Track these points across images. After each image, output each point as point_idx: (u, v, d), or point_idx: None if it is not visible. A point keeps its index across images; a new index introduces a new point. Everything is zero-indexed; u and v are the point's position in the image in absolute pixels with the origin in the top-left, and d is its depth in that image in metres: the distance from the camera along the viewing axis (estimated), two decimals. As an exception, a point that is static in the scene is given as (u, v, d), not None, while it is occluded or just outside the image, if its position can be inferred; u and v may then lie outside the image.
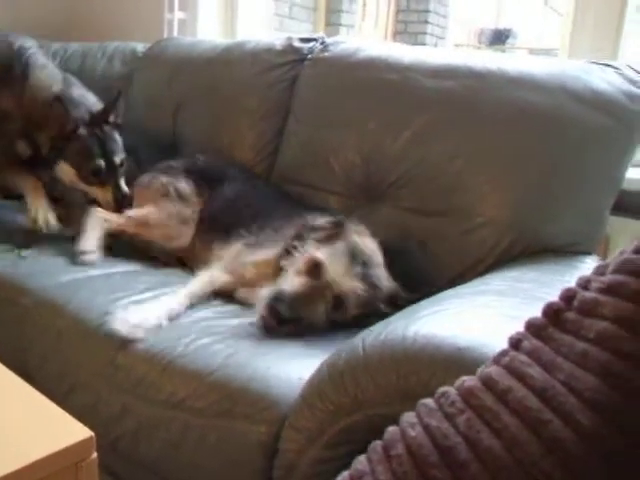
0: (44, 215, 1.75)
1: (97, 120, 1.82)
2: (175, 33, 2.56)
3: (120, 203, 1.77)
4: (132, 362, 1.17)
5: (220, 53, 1.98)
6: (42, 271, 1.51)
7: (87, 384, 1.24)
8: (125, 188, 1.80)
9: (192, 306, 1.32)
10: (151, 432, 1.13)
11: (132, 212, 1.71)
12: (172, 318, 1.26)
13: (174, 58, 2.11)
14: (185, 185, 1.68)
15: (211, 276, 1.41)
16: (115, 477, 1.17)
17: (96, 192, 1.79)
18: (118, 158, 1.81)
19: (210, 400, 1.05)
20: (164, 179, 1.73)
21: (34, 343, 1.38)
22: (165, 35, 2.53)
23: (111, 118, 1.85)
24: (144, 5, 2.66)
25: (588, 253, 1.37)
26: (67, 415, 0.73)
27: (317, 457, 0.92)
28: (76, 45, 2.48)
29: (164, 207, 1.66)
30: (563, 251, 1.35)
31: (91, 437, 0.69)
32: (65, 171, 1.81)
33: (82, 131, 1.78)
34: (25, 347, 1.39)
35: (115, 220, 1.68)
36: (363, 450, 0.87)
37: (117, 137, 1.85)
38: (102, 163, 1.77)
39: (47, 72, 1.97)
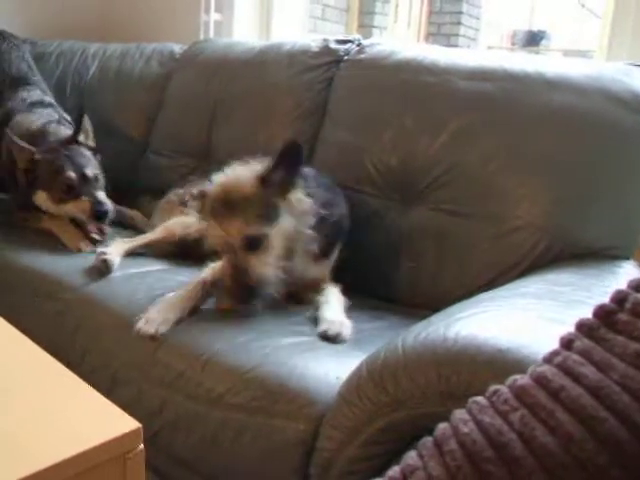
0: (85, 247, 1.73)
1: (66, 143, 1.84)
2: (211, 34, 2.59)
3: (99, 215, 1.73)
4: (171, 357, 1.19)
5: (256, 55, 1.99)
6: (81, 267, 1.54)
7: (127, 378, 1.26)
8: (107, 202, 1.76)
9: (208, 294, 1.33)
10: (189, 427, 1.15)
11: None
12: (191, 308, 1.28)
13: (211, 59, 2.13)
14: None
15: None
16: (154, 471, 1.19)
17: (72, 209, 1.77)
18: (90, 171, 1.79)
19: (248, 396, 1.06)
20: (180, 190, 1.77)
21: (74, 338, 1.42)
22: (201, 36, 2.57)
23: (81, 138, 1.86)
24: (181, 6, 2.69)
25: (626, 257, 1.36)
26: (115, 407, 0.75)
27: (354, 455, 0.93)
28: (115, 46, 2.52)
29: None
30: (600, 255, 1.34)
31: (138, 428, 0.71)
32: (41, 198, 1.81)
33: (47, 155, 1.79)
34: (65, 342, 1.42)
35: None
36: (401, 449, 0.88)
37: (88, 154, 1.84)
38: (73, 175, 1.75)
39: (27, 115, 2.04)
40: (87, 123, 1.92)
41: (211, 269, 1.36)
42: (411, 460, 0.44)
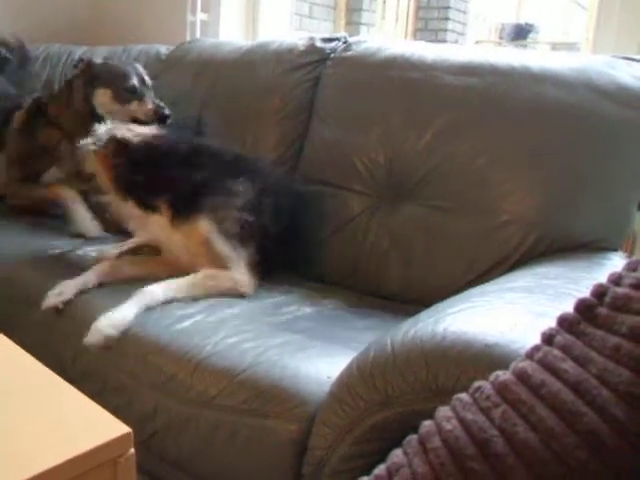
0: (89, 225, 1.84)
1: None
2: (198, 35, 2.59)
3: (162, 115, 1.89)
4: (162, 361, 1.18)
5: (243, 54, 1.99)
6: (67, 273, 1.54)
7: (118, 383, 1.26)
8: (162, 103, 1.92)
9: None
10: (182, 430, 1.15)
11: None
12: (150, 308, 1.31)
13: (197, 60, 2.13)
14: None
15: None
16: (148, 475, 1.19)
17: (135, 109, 1.91)
18: (147, 77, 1.98)
19: (240, 398, 1.06)
20: None
21: (64, 344, 1.41)
22: (188, 37, 2.56)
23: None
24: (167, 7, 2.69)
25: (614, 250, 1.37)
26: (105, 412, 0.74)
27: (347, 453, 0.93)
28: (101, 49, 2.51)
29: None
30: (589, 247, 1.35)
31: (129, 433, 0.71)
32: (101, 97, 1.93)
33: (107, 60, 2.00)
34: (55, 348, 1.41)
35: None
36: (392, 446, 0.89)
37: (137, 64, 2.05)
38: (135, 79, 1.93)
39: None
40: None
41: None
42: (396, 458, 0.44)
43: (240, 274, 1.43)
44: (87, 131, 1.62)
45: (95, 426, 0.73)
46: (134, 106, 1.91)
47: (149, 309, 1.30)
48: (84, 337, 1.26)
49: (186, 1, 2.58)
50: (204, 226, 1.44)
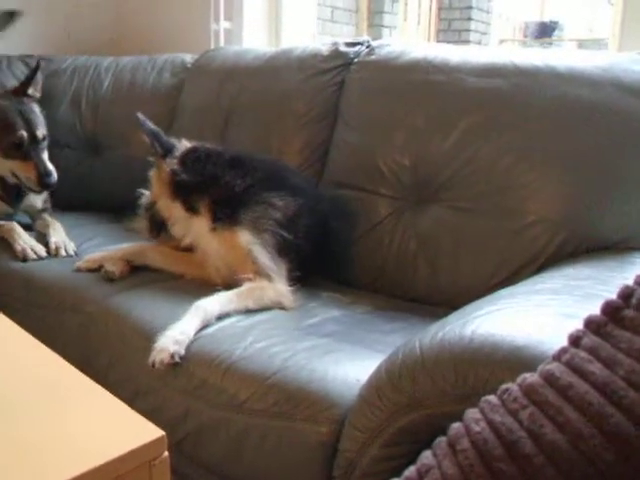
0: (32, 249, 1.77)
1: (15, 93, 1.85)
2: (222, 43, 2.62)
3: (44, 180, 1.77)
4: (193, 366, 1.20)
5: (267, 61, 2.01)
6: (104, 281, 1.57)
7: (151, 388, 1.28)
8: (50, 166, 1.79)
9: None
10: (213, 433, 1.16)
11: None
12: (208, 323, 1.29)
13: (222, 67, 2.15)
14: None
15: None
16: (180, 477, 1.21)
17: (18, 168, 1.80)
18: (40, 132, 1.82)
19: (270, 402, 1.08)
20: None
21: (99, 350, 1.44)
22: (212, 45, 2.59)
23: (30, 91, 1.89)
24: (191, 17, 2.72)
25: (644, 249, 1.35)
26: (139, 416, 0.76)
27: (376, 456, 0.94)
28: (127, 59, 2.55)
29: None
30: (618, 247, 1.34)
31: (163, 436, 0.73)
32: None
33: (2, 103, 1.80)
34: (90, 354, 1.44)
35: None
36: (421, 448, 0.89)
37: (37, 110, 1.87)
38: (24, 134, 1.78)
39: None
40: (40, 76, 1.95)
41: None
42: (426, 460, 0.45)
43: (282, 286, 1.43)
44: None
45: (130, 430, 0.75)
46: (16, 165, 1.81)
47: (206, 324, 1.28)
48: (149, 357, 1.21)
49: (210, 10, 2.61)
50: (245, 236, 1.46)
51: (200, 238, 1.55)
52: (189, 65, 2.32)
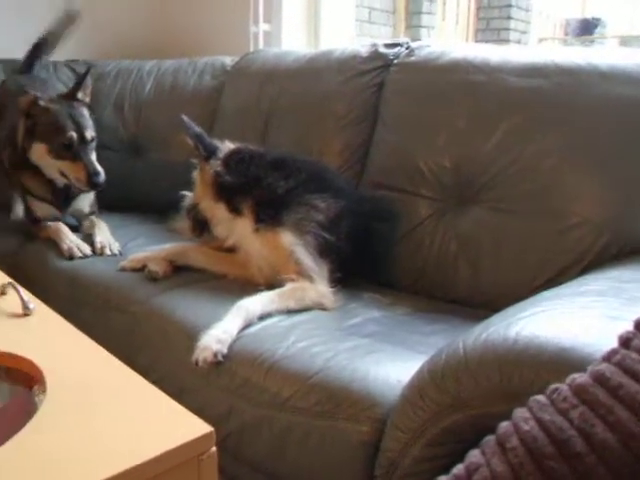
0: (78, 247, 1.85)
1: (66, 97, 1.92)
2: (261, 45, 2.64)
3: (92, 180, 1.83)
4: (236, 365, 1.22)
5: (307, 63, 2.03)
6: (147, 281, 1.61)
7: (193, 386, 1.30)
8: (98, 166, 1.85)
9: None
10: (256, 432, 1.18)
11: None
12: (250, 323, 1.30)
13: (262, 70, 2.17)
14: None
15: None
16: (222, 474, 1.23)
17: (68, 168, 1.87)
18: (89, 133, 1.88)
19: (312, 401, 1.09)
20: None
21: (142, 348, 1.47)
22: (251, 48, 2.62)
23: (79, 95, 1.94)
24: (230, 19, 2.75)
25: (691, 250, 1.33)
26: (188, 412, 0.78)
27: (419, 455, 0.95)
28: (168, 62, 2.59)
29: None
30: (664, 249, 1.31)
31: (211, 432, 0.75)
32: (37, 151, 1.90)
33: (52, 105, 1.86)
34: (133, 352, 1.47)
35: None
36: (464, 449, 0.89)
37: (86, 113, 1.93)
38: (74, 135, 1.84)
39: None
40: (89, 81, 2.02)
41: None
42: (474, 458, 0.46)
43: (324, 287, 1.44)
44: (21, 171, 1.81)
45: (179, 425, 0.77)
46: (66, 165, 1.88)
47: (249, 324, 1.30)
48: (192, 355, 1.24)
49: (249, 12, 2.64)
50: (288, 237, 1.47)
51: (243, 239, 1.57)
52: (229, 68, 2.35)
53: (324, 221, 1.50)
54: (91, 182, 1.85)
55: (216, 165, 1.62)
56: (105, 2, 2.91)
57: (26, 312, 1.12)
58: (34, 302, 1.14)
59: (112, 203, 2.35)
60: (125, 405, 0.82)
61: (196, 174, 1.70)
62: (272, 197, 1.54)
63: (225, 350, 1.23)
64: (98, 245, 1.86)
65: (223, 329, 1.26)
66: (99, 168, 1.87)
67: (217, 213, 1.62)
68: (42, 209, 2.02)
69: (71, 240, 1.88)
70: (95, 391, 0.86)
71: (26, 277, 1.76)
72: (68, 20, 2.42)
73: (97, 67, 2.68)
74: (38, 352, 0.95)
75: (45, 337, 1.05)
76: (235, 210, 1.58)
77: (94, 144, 1.93)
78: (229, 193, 1.59)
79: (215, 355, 1.22)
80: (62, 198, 2.03)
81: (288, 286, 1.41)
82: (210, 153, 1.64)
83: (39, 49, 2.46)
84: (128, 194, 2.44)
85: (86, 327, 1.09)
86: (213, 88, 2.36)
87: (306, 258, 1.45)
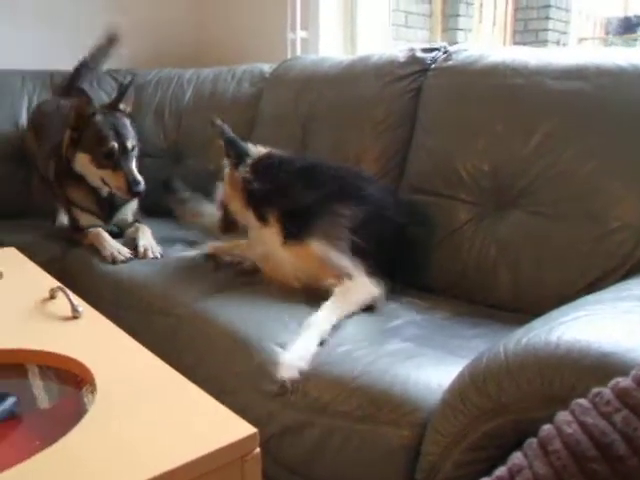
0: (119, 251, 1.92)
1: (109, 108, 1.98)
2: (298, 52, 2.67)
3: (132, 188, 1.88)
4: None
5: (344, 69, 2.04)
6: (191, 285, 1.64)
7: (235, 389, 1.32)
8: (138, 176, 1.90)
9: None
10: (296, 435, 1.19)
11: None
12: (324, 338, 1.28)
13: (300, 76, 2.19)
14: None
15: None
16: (264, 476, 1.24)
17: (109, 177, 1.93)
18: (130, 143, 1.94)
19: (353, 405, 1.10)
20: None
21: (186, 350, 1.50)
22: (289, 54, 2.65)
23: (121, 106, 2.00)
24: (267, 27, 2.79)
25: None
26: (232, 413, 0.80)
27: (460, 460, 0.95)
28: (208, 70, 2.64)
29: None
30: None
31: (255, 433, 0.76)
32: (81, 160, 1.96)
33: (97, 117, 1.92)
34: (177, 355, 1.50)
35: None
36: (505, 453, 0.89)
37: (128, 123, 1.98)
38: (115, 145, 1.89)
39: None
40: (131, 92, 2.09)
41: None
42: (517, 460, 0.46)
43: (365, 280, 1.43)
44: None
45: (223, 426, 0.79)
46: (108, 174, 1.93)
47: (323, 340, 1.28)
48: (276, 372, 1.22)
49: (286, 20, 2.67)
50: (318, 247, 1.47)
51: (272, 250, 1.57)
52: (267, 75, 2.38)
53: (352, 227, 1.48)
54: (131, 191, 1.91)
55: (245, 171, 1.63)
56: (146, 13, 2.97)
57: (75, 315, 1.15)
58: (82, 305, 1.18)
59: (153, 208, 2.41)
60: (171, 406, 0.84)
61: (226, 173, 1.70)
62: (299, 207, 1.53)
63: (306, 367, 1.20)
64: (141, 249, 1.91)
65: (304, 346, 1.24)
66: (139, 177, 1.92)
67: (248, 219, 1.64)
68: (87, 219, 2.09)
69: (111, 245, 1.94)
70: (142, 392, 0.88)
71: (72, 281, 1.82)
72: (109, 42, 2.50)
73: (138, 76, 2.74)
74: (87, 354, 0.98)
75: (93, 339, 1.08)
76: (262, 219, 1.58)
77: (135, 153, 1.98)
78: (257, 201, 1.60)
79: (299, 372, 1.19)
80: (107, 208, 2.09)
81: (336, 292, 1.40)
82: (240, 158, 1.65)
83: (80, 71, 2.55)
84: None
85: (130, 329, 1.12)
86: (252, 95, 2.39)
87: (340, 259, 1.45)
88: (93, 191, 2.04)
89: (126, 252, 1.91)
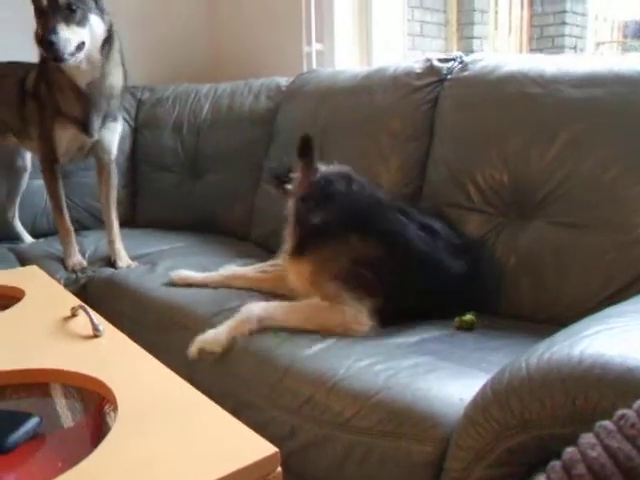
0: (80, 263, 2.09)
1: None
2: (314, 65, 2.68)
3: (46, 36, 1.76)
4: (298, 384, 1.23)
5: (361, 81, 2.04)
6: (209, 299, 1.64)
7: (255, 404, 1.32)
8: (62, 29, 1.77)
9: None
10: (318, 450, 1.18)
11: None
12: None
13: (317, 89, 2.20)
14: None
15: None
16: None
17: (37, 27, 1.83)
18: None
19: (375, 420, 1.09)
20: None
21: (202, 364, 1.50)
22: (305, 67, 2.66)
23: None
24: (283, 40, 2.80)
25: None
26: (252, 432, 0.80)
27: (483, 476, 0.93)
28: (224, 85, 2.66)
29: None
30: None
31: (276, 452, 0.76)
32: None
33: None
34: (194, 370, 1.50)
35: None
36: (529, 470, 0.88)
37: None
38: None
39: None
40: None
41: None
42: (541, 484, 0.45)
43: (356, 311, 1.39)
44: None
45: (244, 445, 0.78)
46: (38, 28, 1.83)
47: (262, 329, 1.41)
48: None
49: (301, 33, 2.68)
50: (312, 267, 1.48)
51: (285, 263, 1.61)
52: (284, 88, 2.40)
53: (360, 259, 1.43)
54: (44, 38, 1.77)
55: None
56: (162, 30, 3.00)
57: (96, 334, 1.16)
58: (103, 323, 1.19)
59: (171, 222, 2.43)
60: (192, 425, 0.84)
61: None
62: (308, 225, 1.52)
63: (218, 350, 1.40)
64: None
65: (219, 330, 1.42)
66: (61, 30, 1.77)
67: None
68: (65, 137, 2.03)
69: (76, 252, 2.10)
70: (163, 411, 0.88)
71: (91, 299, 1.84)
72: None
73: (156, 92, 2.78)
74: (108, 373, 0.98)
75: (114, 358, 1.08)
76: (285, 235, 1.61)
77: (74, 13, 1.82)
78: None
79: (209, 354, 1.40)
80: (86, 107, 1.99)
81: (309, 301, 1.45)
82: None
83: None
84: (187, 214, 2.52)
85: (148, 345, 1.13)
86: (269, 109, 2.41)
87: (331, 284, 1.43)
88: (71, 88, 1.97)
89: (84, 263, 2.10)
